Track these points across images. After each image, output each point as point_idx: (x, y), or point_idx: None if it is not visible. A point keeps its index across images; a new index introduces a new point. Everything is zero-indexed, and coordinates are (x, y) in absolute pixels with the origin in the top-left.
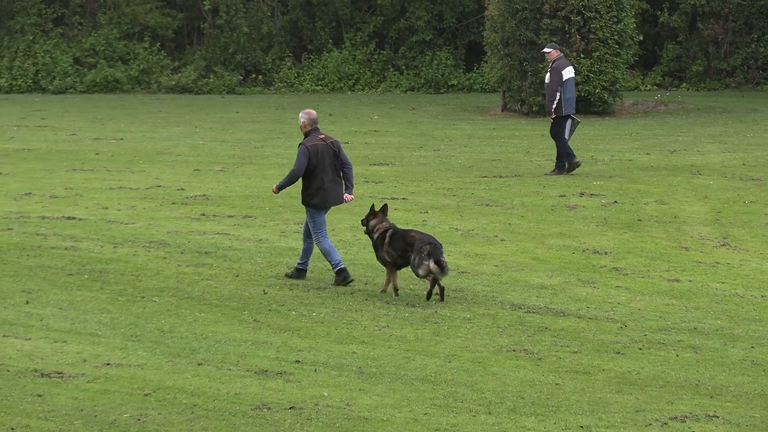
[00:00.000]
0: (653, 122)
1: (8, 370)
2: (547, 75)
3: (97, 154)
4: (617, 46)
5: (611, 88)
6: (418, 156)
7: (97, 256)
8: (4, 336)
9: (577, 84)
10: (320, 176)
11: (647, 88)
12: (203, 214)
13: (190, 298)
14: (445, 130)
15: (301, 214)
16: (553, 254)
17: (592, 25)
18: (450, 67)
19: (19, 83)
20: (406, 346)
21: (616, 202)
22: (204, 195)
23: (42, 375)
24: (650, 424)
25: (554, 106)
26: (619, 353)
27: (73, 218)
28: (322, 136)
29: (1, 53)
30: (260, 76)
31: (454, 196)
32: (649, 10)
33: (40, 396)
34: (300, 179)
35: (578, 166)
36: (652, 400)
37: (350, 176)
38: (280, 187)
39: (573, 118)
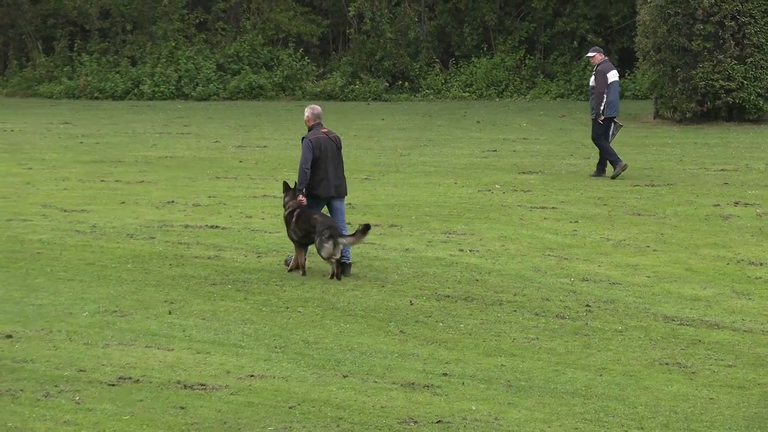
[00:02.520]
0: None
1: (151, 382)
2: (592, 78)
3: (240, 161)
4: None
5: (767, 95)
6: (568, 164)
7: (241, 266)
8: (146, 347)
9: (731, 91)
10: (323, 167)
11: None
12: (348, 223)
13: (335, 308)
14: None
15: (449, 223)
16: (706, 265)
17: (746, 31)
18: None
19: (161, 90)
20: (556, 359)
21: None
22: (349, 203)
23: (185, 387)
24: None
25: (602, 109)
26: None
27: (217, 227)
28: (325, 130)
29: (144, 59)
30: (407, 83)
31: (605, 205)
32: None
33: (183, 408)
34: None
35: (625, 169)
36: None
37: None
38: (301, 190)
39: (615, 122)
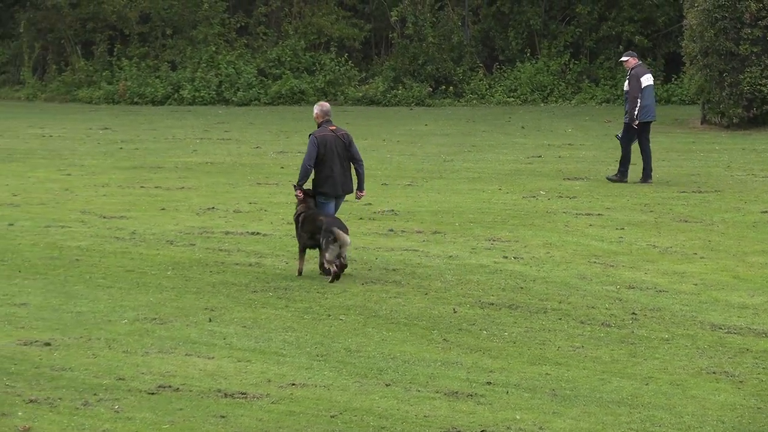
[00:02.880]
0: None
1: (191, 390)
2: (626, 83)
3: (282, 167)
4: None
5: None
6: (613, 170)
7: (282, 273)
8: (186, 355)
9: None
10: (329, 165)
11: None
12: (391, 230)
13: (378, 316)
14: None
15: (493, 230)
16: (755, 272)
17: None
18: None
19: (202, 95)
20: (602, 368)
21: None
22: (392, 210)
23: (225, 395)
24: None
25: (636, 113)
26: None
27: (258, 233)
28: (333, 127)
29: (184, 64)
30: (450, 88)
31: (651, 211)
32: None
33: (223, 417)
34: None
35: (623, 182)
36: None
37: (361, 173)
38: (300, 185)
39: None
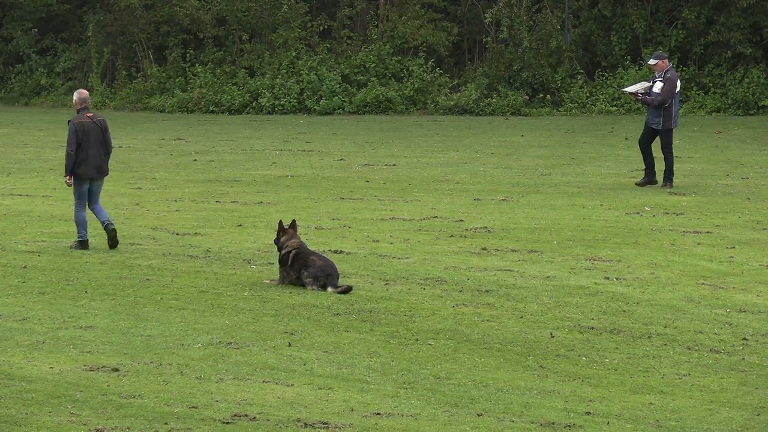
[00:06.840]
0: None
1: (268, 420)
2: (658, 84)
3: (367, 181)
4: None
5: None
6: (724, 185)
7: (367, 294)
8: (264, 382)
9: None
10: (85, 149)
11: None
12: (484, 248)
13: (469, 341)
14: (755, 156)
15: (593, 249)
16: None
17: None
18: (762, 86)
19: (282, 103)
20: (710, 397)
21: None
22: (485, 227)
23: (305, 425)
24: None
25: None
26: None
27: (341, 252)
28: (90, 114)
29: (263, 70)
30: (548, 96)
31: (764, 229)
32: None
33: None
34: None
35: (654, 184)
36: None
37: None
38: (69, 172)
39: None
